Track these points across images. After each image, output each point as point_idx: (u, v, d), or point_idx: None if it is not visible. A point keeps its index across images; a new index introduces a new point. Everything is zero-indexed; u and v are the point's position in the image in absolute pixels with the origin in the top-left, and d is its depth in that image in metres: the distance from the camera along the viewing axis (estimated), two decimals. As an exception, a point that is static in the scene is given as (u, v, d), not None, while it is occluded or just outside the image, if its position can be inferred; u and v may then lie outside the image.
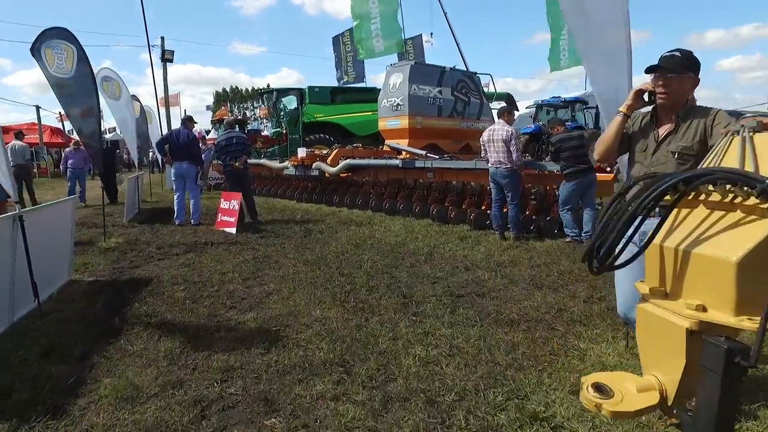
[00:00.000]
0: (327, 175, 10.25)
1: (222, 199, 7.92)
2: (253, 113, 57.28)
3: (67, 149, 11.85)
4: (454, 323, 3.56)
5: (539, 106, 18.85)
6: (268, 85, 35.36)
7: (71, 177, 11.41)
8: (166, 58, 21.17)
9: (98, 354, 3.05)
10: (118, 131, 23.11)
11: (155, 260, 5.79)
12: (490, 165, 6.60)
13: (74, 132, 9.23)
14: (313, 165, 10.30)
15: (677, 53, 2.25)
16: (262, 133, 21.61)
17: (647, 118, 2.43)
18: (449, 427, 2.27)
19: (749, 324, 1.14)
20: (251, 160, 11.04)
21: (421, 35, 20.94)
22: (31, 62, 6.09)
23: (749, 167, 1.32)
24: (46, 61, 5.96)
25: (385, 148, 10.73)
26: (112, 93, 11.31)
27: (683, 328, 1.26)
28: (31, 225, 3.69)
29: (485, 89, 12.83)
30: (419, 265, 5.32)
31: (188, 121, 8.47)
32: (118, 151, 23.49)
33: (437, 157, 8.62)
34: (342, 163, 9.69)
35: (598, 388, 1.38)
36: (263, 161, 13.01)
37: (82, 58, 6.24)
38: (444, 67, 10.78)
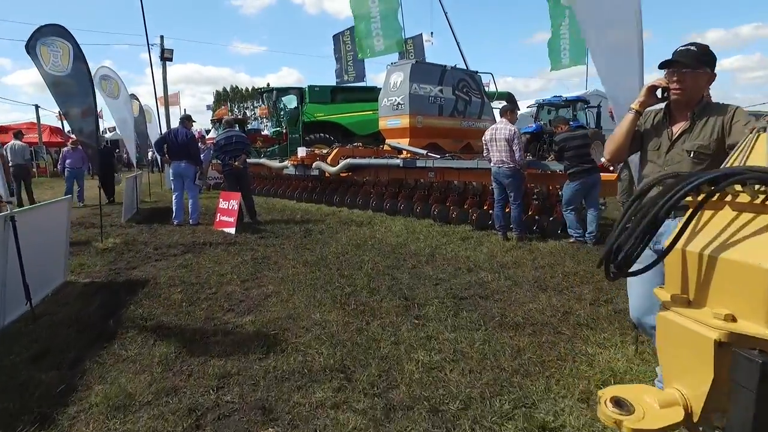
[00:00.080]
0: (327, 174, 10.15)
1: (221, 199, 7.82)
2: (253, 113, 57.17)
3: (65, 149, 11.75)
4: (458, 327, 3.47)
5: (540, 106, 18.74)
6: (268, 85, 35.24)
7: (69, 177, 11.31)
8: (166, 57, 21.06)
9: (91, 359, 2.96)
10: (117, 131, 23.04)
11: (152, 261, 5.69)
12: (492, 164, 6.50)
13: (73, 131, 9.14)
14: (313, 164, 10.21)
15: (693, 47, 2.15)
16: (262, 133, 21.50)
17: (660, 115, 2.34)
18: (454, 437, 2.17)
19: (786, 336, 1.05)
20: (251, 160, 10.95)
21: (421, 35, 20.86)
22: (31, 61, 6.02)
23: (780, 166, 1.23)
24: (42, 59, 5.86)
25: (386, 147, 10.63)
26: (111, 92, 11.22)
27: (711, 339, 1.17)
28: (23, 226, 3.60)
29: (486, 88, 12.73)
30: (421, 267, 5.23)
31: (187, 120, 8.37)
32: (117, 150, 23.45)
33: (438, 156, 8.53)
34: (342, 163, 9.60)
35: (618, 402, 1.29)
36: (263, 161, 12.92)
37: (79, 56, 6.13)
38: (445, 66, 10.67)
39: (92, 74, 10.75)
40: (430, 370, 2.80)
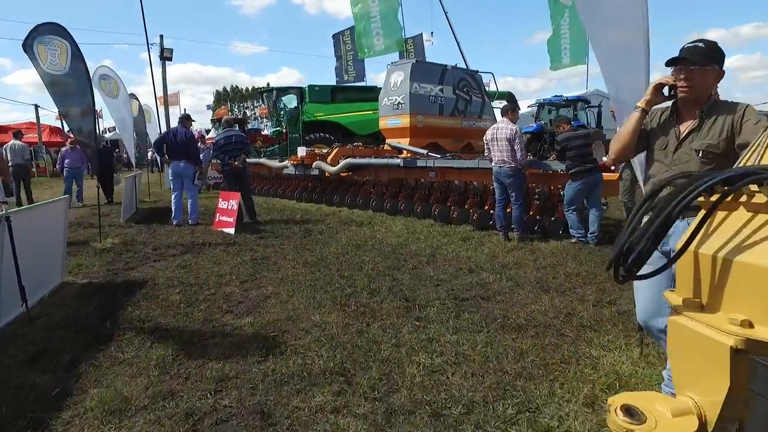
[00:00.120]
0: (327, 174, 10.10)
1: (220, 199, 7.77)
2: (253, 112, 57.13)
3: (64, 148, 11.69)
4: (459, 329, 3.42)
5: (541, 105, 18.70)
6: (268, 84, 35.15)
7: (68, 177, 11.26)
8: (165, 56, 21.00)
9: (87, 362, 2.91)
10: (117, 130, 22.99)
11: (151, 261, 5.65)
12: (493, 164, 6.45)
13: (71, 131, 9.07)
14: (313, 164, 10.15)
15: (700, 44, 2.10)
16: (262, 132, 21.45)
17: (666, 113, 2.29)
18: (457, 443, 2.13)
19: (808, 344, 1.00)
20: (250, 160, 10.90)
21: (421, 34, 20.82)
22: (30, 61, 5.95)
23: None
24: (39, 58, 5.82)
25: (386, 147, 10.58)
26: (110, 91, 11.18)
27: (727, 346, 1.12)
28: (19, 226, 3.55)
29: (486, 88, 12.68)
30: (422, 267, 5.18)
31: (186, 119, 8.32)
32: (117, 150, 23.40)
33: (439, 156, 8.48)
34: (342, 163, 9.55)
35: (628, 411, 1.23)
36: (263, 160, 12.86)
37: (77, 55, 6.09)
38: (445, 66, 10.62)
39: (92, 73, 10.75)
40: (432, 374, 2.75)
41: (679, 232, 1.64)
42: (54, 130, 27.78)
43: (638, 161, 2.91)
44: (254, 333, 3.39)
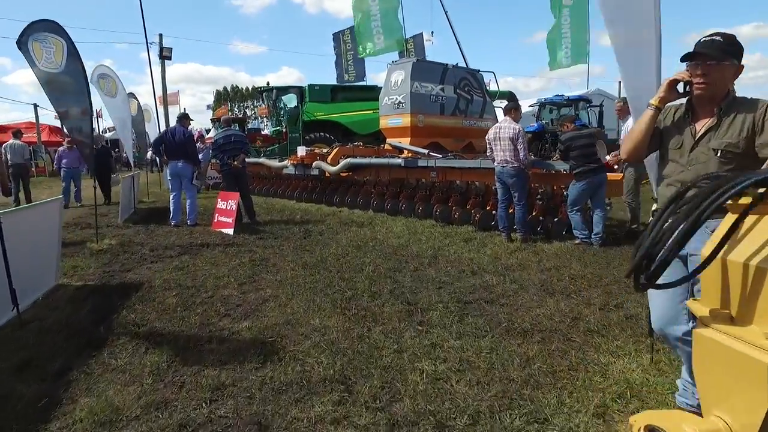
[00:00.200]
0: (327, 174, 10.00)
1: (219, 199, 7.68)
2: (253, 112, 57.05)
3: (61, 148, 11.59)
4: (463, 333, 3.32)
5: (542, 105, 18.62)
6: (268, 84, 35.03)
7: (66, 177, 11.17)
8: (165, 55, 20.89)
9: (78, 369, 2.81)
10: (117, 130, 22.90)
11: (148, 263, 5.55)
12: (496, 164, 6.35)
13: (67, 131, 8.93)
14: (313, 164, 10.05)
15: (718, 37, 2.00)
16: (262, 132, 21.36)
17: (681, 111, 2.19)
18: (463, 456, 2.03)
19: None
20: (250, 159, 10.79)
21: (422, 34, 20.74)
22: (31, 61, 5.89)
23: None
24: (34, 56, 5.71)
25: (387, 146, 10.48)
26: (109, 90, 11.10)
27: (765, 364, 1.03)
28: (10, 228, 3.46)
29: (487, 87, 12.57)
30: (423, 269, 5.08)
31: (184, 118, 8.22)
32: (117, 150, 23.29)
33: (440, 156, 8.38)
34: (342, 162, 9.45)
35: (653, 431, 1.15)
36: (262, 160, 12.76)
37: (73, 52, 5.99)
38: (446, 65, 10.53)
39: (91, 72, 10.66)
40: (436, 381, 2.65)
41: (698, 237, 1.54)
42: (53, 130, 27.68)
43: (648, 162, 2.81)
44: (252, 338, 3.30)
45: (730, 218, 1.23)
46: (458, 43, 16.76)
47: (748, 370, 1.07)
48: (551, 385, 2.60)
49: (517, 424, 2.23)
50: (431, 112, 10.00)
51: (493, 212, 7.03)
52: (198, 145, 12.36)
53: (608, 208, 7.11)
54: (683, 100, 2.19)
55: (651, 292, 2.18)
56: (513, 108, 6.58)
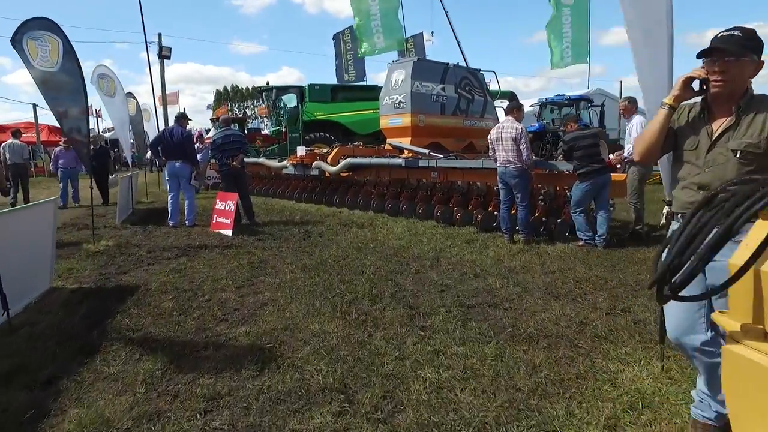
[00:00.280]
0: (327, 174, 9.91)
1: (218, 200, 7.58)
2: (253, 112, 56.96)
3: (57, 148, 11.49)
4: (467, 339, 3.22)
5: (543, 105, 18.49)
6: (268, 83, 34.92)
7: (63, 177, 11.08)
8: (164, 55, 20.80)
9: (69, 377, 2.71)
10: (116, 130, 22.79)
11: (145, 265, 5.45)
12: (498, 164, 6.26)
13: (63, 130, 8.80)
14: (313, 164, 9.96)
15: (737, 32, 1.90)
16: (262, 132, 21.27)
17: (696, 110, 2.09)
18: (469, 472, 1.93)
19: None
20: (249, 159, 10.70)
21: (422, 33, 20.67)
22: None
23: None
24: (29, 54, 5.61)
25: (387, 146, 10.39)
26: (108, 90, 11.01)
27: (808, 387, 0.94)
28: (2, 230, 3.37)
29: (487, 87, 12.47)
30: (425, 271, 4.98)
31: (182, 118, 8.12)
32: (116, 149, 23.20)
33: (442, 156, 8.28)
34: (342, 162, 9.35)
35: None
36: (262, 160, 12.67)
37: (69, 51, 5.88)
38: (447, 64, 10.43)
39: (91, 72, 10.56)
40: (439, 390, 2.56)
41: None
42: (53, 130, 27.56)
43: (660, 164, 2.71)
44: (249, 344, 3.20)
45: (761, 225, 1.14)
46: (458, 42, 16.70)
47: (788, 393, 0.97)
48: (559, 395, 2.50)
49: (525, 436, 2.14)
50: (432, 112, 9.90)
51: (495, 213, 6.94)
52: (197, 145, 12.28)
53: (611, 209, 7.02)
54: (698, 99, 2.10)
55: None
56: (515, 108, 6.49)
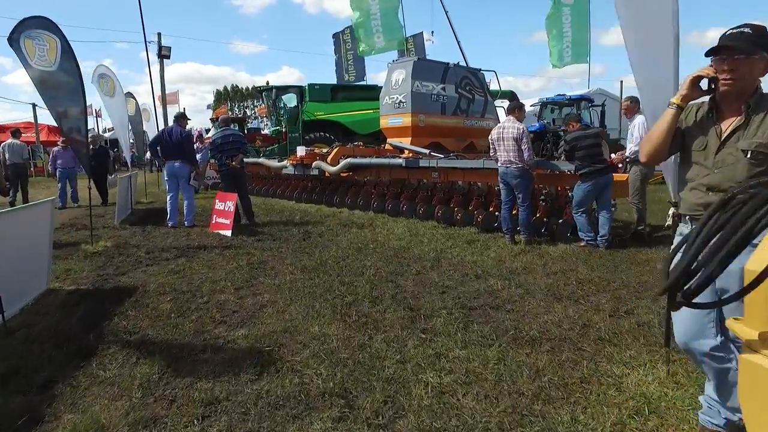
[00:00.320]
0: (327, 174, 9.86)
1: (217, 200, 7.53)
2: (253, 112, 56.92)
3: (55, 148, 11.43)
4: (469, 342, 3.18)
5: (544, 104, 18.42)
6: (268, 83, 34.89)
7: (61, 177, 11.02)
8: (163, 54, 20.75)
9: (64, 381, 2.67)
10: (116, 130, 22.71)
11: (143, 266, 5.41)
12: (500, 165, 6.21)
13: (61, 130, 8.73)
14: (313, 164, 9.91)
15: (747, 29, 1.86)
16: (262, 132, 21.22)
17: (703, 109, 2.05)
18: (472, 480, 1.89)
19: None
20: (249, 159, 10.65)
21: (422, 33, 20.63)
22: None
23: None
24: (27, 54, 5.56)
25: (387, 146, 10.34)
26: (108, 90, 10.95)
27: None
28: (-3, 231, 3.32)
29: (488, 86, 12.42)
30: (426, 273, 4.94)
31: (181, 117, 8.07)
32: (116, 149, 23.13)
33: (442, 156, 8.23)
34: (343, 162, 9.31)
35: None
36: (262, 160, 12.63)
37: (67, 50, 5.83)
38: (448, 64, 10.38)
39: (92, 72, 10.51)
40: (441, 395, 2.51)
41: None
42: (52, 130, 27.50)
43: (665, 165, 2.67)
44: (248, 347, 3.16)
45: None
46: (458, 42, 16.66)
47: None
48: (563, 400, 2.46)
49: (530, 443, 2.09)
50: (432, 112, 9.85)
51: (496, 213, 6.89)
52: (197, 144, 12.23)
53: (613, 209, 6.97)
54: (706, 98, 2.05)
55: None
56: (517, 107, 6.45)
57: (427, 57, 18.51)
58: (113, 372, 2.79)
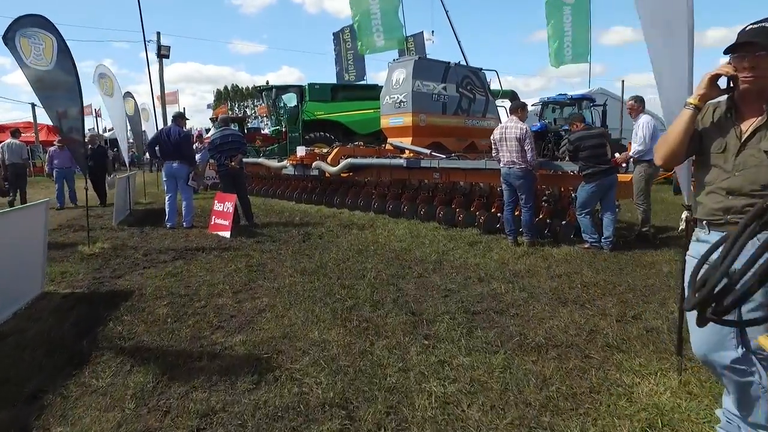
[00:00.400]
0: (327, 174, 9.77)
1: (216, 201, 7.44)
2: (253, 111, 56.85)
3: (51, 148, 11.34)
4: (473, 349, 3.09)
5: (545, 104, 18.33)
6: (268, 83, 34.80)
7: (58, 177, 10.93)
8: (162, 54, 20.64)
9: (55, 391, 2.57)
10: (115, 130, 22.61)
11: (140, 268, 5.31)
12: (502, 165, 6.12)
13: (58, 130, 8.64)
14: (313, 164, 9.82)
15: (768, 24, 1.77)
16: (262, 132, 21.12)
17: (721, 110, 1.95)
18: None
19: None
20: (248, 159, 10.56)
21: (422, 32, 20.53)
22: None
23: None
24: (22, 52, 5.47)
25: (388, 146, 10.24)
26: (107, 90, 10.85)
27: None
28: (-12, 235, 3.23)
29: (489, 86, 12.32)
30: (428, 275, 4.85)
31: (180, 117, 7.98)
32: (116, 149, 23.03)
33: (444, 156, 8.14)
34: (343, 163, 9.22)
35: None
36: (261, 160, 12.53)
37: (63, 49, 5.74)
38: (448, 63, 10.28)
39: (93, 72, 10.41)
40: (445, 405, 2.42)
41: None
42: (51, 130, 27.41)
43: (679, 168, 2.56)
44: (246, 354, 3.06)
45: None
46: (459, 42, 16.56)
47: None
48: (572, 411, 2.36)
49: (539, 458, 2.00)
50: (433, 111, 9.75)
51: (498, 215, 6.80)
52: (197, 144, 12.14)
53: (617, 210, 6.88)
54: (723, 98, 1.96)
55: (690, 315, 1.94)
56: (519, 107, 6.36)
57: (428, 56, 18.45)
58: (106, 381, 2.70)
